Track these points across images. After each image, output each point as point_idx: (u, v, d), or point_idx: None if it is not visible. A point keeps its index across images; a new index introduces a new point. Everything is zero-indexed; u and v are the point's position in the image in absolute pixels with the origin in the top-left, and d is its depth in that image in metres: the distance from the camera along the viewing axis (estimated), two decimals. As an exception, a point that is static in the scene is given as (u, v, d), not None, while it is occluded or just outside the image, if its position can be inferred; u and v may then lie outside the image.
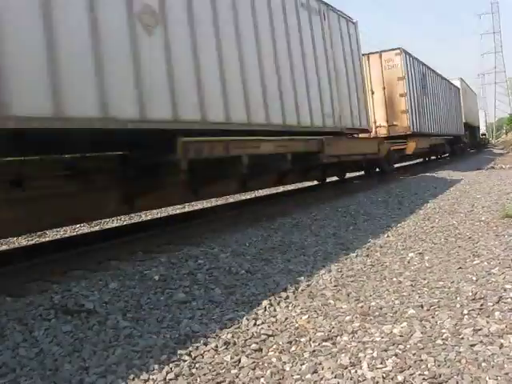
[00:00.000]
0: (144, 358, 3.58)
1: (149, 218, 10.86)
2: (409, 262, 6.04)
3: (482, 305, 4.19)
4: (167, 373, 3.39)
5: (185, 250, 6.16)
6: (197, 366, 3.53)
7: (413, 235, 7.65)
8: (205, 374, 3.40)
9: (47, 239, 8.90)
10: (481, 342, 3.49)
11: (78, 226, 9.83)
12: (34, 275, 5.27)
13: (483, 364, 3.16)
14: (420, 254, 6.39)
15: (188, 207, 11.90)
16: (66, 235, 9.26)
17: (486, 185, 13.38)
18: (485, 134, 53.30)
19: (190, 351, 3.73)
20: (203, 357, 3.67)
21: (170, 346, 3.78)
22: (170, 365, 3.50)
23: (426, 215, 9.37)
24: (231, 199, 13.02)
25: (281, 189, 14.30)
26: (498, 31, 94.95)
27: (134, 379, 3.30)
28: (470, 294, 4.50)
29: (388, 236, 7.69)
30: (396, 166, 19.70)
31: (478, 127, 42.16)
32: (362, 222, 8.92)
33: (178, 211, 11.51)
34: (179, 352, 3.69)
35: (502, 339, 3.49)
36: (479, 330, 3.69)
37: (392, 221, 8.94)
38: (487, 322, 3.81)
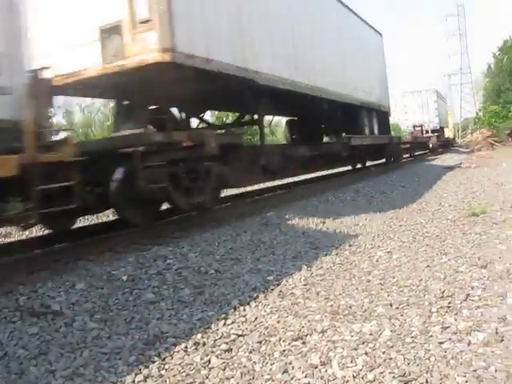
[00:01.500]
0: (112, 360, 3.53)
1: (116, 217, 10.74)
2: (377, 261, 6.06)
3: (449, 302, 4.23)
4: (136, 375, 3.35)
5: (153, 250, 6.09)
6: (166, 367, 3.49)
7: (381, 234, 7.69)
8: (174, 376, 3.36)
9: (12, 239, 8.73)
10: (449, 339, 3.51)
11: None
12: (-2, 276, 5.16)
13: (452, 361, 3.19)
14: (388, 252, 6.42)
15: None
16: (32, 235, 9.09)
17: (453, 183, 13.56)
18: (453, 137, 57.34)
19: (160, 352, 3.69)
20: (172, 358, 3.63)
21: (138, 348, 3.74)
22: (139, 366, 3.46)
23: (395, 214, 9.45)
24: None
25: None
26: (464, 33, 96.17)
27: (102, 382, 3.25)
28: (438, 291, 4.53)
29: (357, 235, 7.72)
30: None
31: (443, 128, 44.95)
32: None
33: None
34: (148, 353, 3.66)
35: (470, 336, 3.52)
36: (447, 327, 3.71)
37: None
38: (455, 320, 3.84)
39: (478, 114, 51.59)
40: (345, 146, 15.01)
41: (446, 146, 43.98)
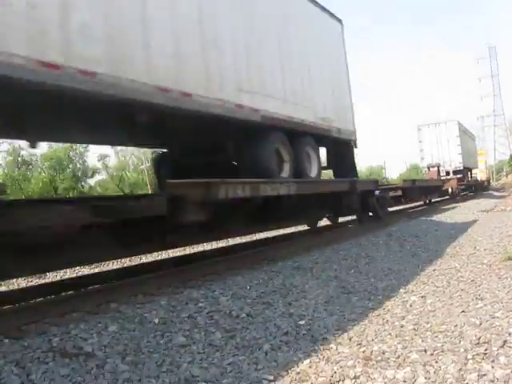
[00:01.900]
0: (143, 403, 3.52)
1: (149, 260, 10.82)
2: (411, 306, 5.97)
3: (486, 349, 4.14)
4: (167, 418, 3.33)
5: (185, 293, 6.10)
6: (197, 411, 3.47)
7: (415, 278, 7.59)
8: (205, 420, 3.34)
9: (47, 280, 8.83)
10: (486, 387, 3.43)
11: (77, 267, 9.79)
12: (32, 317, 5.21)
13: (489, 410, 3.11)
14: (422, 297, 6.33)
15: (188, 250, 11.83)
16: (66, 276, 9.20)
17: (488, 227, 13.36)
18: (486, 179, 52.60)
19: (190, 396, 3.67)
20: (204, 402, 3.61)
21: (169, 391, 3.73)
22: (170, 410, 3.44)
23: (428, 257, 9.33)
24: (231, 242, 12.96)
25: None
26: (496, 75, 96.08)
27: (132, 425, 3.23)
28: (474, 337, 4.44)
29: (390, 279, 7.63)
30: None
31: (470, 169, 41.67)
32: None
33: (178, 253, 11.46)
34: (179, 397, 3.64)
35: (508, 385, 3.43)
36: (484, 375, 3.63)
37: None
38: (492, 367, 3.75)
39: (512, 156, 50.97)
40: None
41: (476, 189, 39.73)
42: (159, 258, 10.98)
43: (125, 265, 10.34)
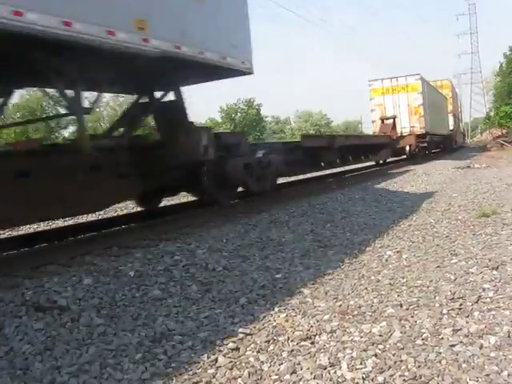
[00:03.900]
0: (118, 357, 3.49)
1: (124, 213, 10.73)
2: (387, 260, 6.00)
3: (461, 304, 4.17)
4: (142, 372, 3.31)
5: (161, 246, 6.05)
6: (173, 365, 3.45)
7: (390, 233, 7.63)
8: (181, 374, 3.32)
9: (20, 232, 8.72)
10: (461, 342, 3.46)
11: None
12: (3, 270, 5.13)
13: (464, 365, 3.13)
14: (398, 252, 6.36)
15: (164, 202, 11.74)
16: (39, 229, 9.09)
17: (463, 184, 13.46)
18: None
19: (166, 350, 3.65)
20: (179, 356, 3.59)
21: (145, 345, 3.70)
22: (146, 364, 3.42)
23: (403, 213, 9.38)
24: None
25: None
26: (475, 32, 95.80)
27: (107, 379, 3.21)
28: (449, 293, 4.47)
29: (366, 234, 7.66)
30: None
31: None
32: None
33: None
34: (155, 351, 3.61)
35: (482, 340, 3.46)
36: (459, 330, 3.66)
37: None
38: (467, 322, 3.78)
39: (488, 114, 51.25)
40: None
41: (445, 147, 35.92)
42: (133, 210, 10.90)
43: (99, 217, 10.24)
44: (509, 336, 3.46)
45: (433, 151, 30.93)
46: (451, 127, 40.08)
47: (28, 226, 9.16)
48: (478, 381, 2.92)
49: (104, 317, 4.06)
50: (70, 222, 9.88)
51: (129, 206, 11.55)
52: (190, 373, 3.34)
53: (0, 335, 3.65)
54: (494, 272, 4.95)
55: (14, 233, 8.78)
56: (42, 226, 9.41)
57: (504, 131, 42.33)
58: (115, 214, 10.61)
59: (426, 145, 27.40)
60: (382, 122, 26.12)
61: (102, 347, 3.59)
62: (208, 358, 3.55)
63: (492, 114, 47.73)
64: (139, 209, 10.04)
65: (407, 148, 25.71)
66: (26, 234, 8.34)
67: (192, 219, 8.07)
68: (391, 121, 25.83)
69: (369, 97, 27.57)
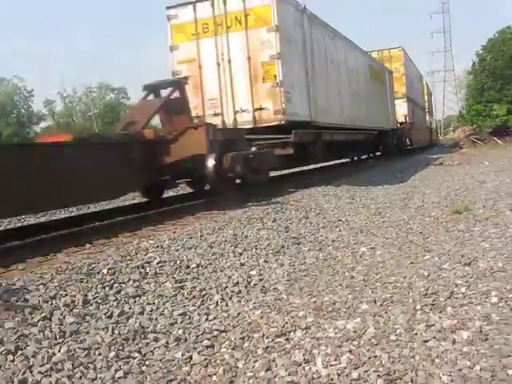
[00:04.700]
0: (91, 356, 3.44)
1: (97, 210, 10.64)
2: (361, 257, 6.03)
3: (434, 300, 4.20)
4: (116, 371, 3.28)
5: (134, 243, 6.00)
6: (147, 363, 3.42)
7: (364, 230, 7.67)
8: (155, 372, 3.30)
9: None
10: (434, 337, 3.48)
11: (23, 216, 9.55)
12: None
13: (437, 360, 3.15)
14: (372, 248, 6.39)
15: (138, 199, 11.66)
16: (10, 226, 8.96)
17: (436, 181, 13.59)
18: None
19: (140, 348, 3.62)
20: (153, 354, 3.57)
21: (118, 343, 3.66)
22: (119, 362, 3.38)
23: (377, 210, 9.44)
24: (181, 191, 12.83)
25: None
26: (448, 31, 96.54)
27: (80, 378, 3.17)
28: (422, 289, 4.51)
29: (340, 230, 7.69)
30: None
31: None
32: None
33: (127, 203, 11.30)
34: (128, 349, 3.58)
35: (455, 335, 3.48)
36: (432, 325, 3.68)
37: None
38: (440, 318, 3.81)
39: (461, 112, 51.81)
40: None
41: (388, 150, 26.99)
42: (107, 207, 10.82)
43: (72, 214, 10.14)
44: (481, 331, 3.49)
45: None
46: (402, 119, 29.47)
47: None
48: (450, 375, 2.94)
49: (76, 315, 4.00)
50: (41, 219, 9.77)
51: (101, 204, 11.46)
52: (165, 371, 3.32)
53: (-31, 334, 3.58)
54: (467, 268, 5.01)
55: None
56: (13, 224, 9.28)
57: (476, 129, 42.69)
58: (89, 211, 10.51)
59: (290, 151, 12.71)
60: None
61: (74, 346, 3.54)
62: (182, 355, 3.53)
63: (464, 111, 48.18)
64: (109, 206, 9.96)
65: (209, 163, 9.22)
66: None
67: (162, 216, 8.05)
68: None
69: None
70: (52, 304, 4.13)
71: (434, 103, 60.78)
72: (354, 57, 19.47)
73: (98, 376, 3.21)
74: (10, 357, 3.33)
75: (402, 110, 29.41)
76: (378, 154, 27.09)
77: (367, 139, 21.75)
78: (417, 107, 35.88)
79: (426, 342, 3.43)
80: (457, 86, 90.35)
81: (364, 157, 25.91)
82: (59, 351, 3.45)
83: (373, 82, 22.17)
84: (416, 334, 3.58)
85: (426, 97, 45.43)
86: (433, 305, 4.11)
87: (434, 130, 53.90)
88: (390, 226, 7.83)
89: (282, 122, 12.05)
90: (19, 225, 9.02)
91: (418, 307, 4.08)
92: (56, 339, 3.61)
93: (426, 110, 45.30)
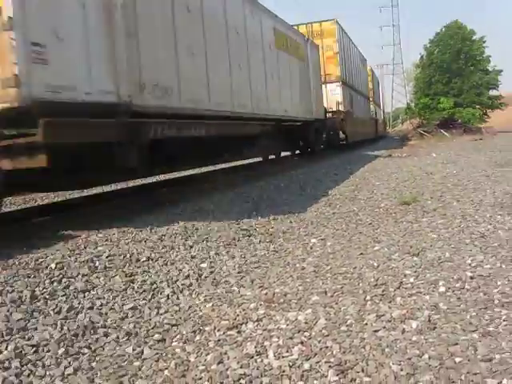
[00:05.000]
0: (40, 353, 3.36)
1: (45, 203, 10.42)
2: (311, 248, 6.08)
3: (383, 290, 4.26)
4: (65, 367, 3.22)
5: (83, 236, 5.89)
6: (97, 359, 3.37)
7: (315, 221, 7.72)
8: (106, 368, 3.25)
9: None
10: (384, 327, 3.53)
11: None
12: None
13: (387, 349, 3.20)
14: (322, 239, 6.45)
15: (86, 192, 11.46)
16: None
17: (385, 172, 13.80)
18: None
19: (90, 344, 3.56)
20: (104, 349, 3.51)
21: (67, 339, 3.58)
22: (68, 359, 3.32)
23: (327, 202, 9.51)
24: (131, 183, 12.67)
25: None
26: (397, 24, 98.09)
27: (29, 376, 3.09)
28: (372, 279, 4.57)
29: (291, 222, 7.72)
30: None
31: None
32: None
33: (76, 195, 11.09)
34: (78, 345, 3.51)
35: (404, 324, 3.54)
36: (382, 315, 3.74)
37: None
38: (389, 308, 3.87)
39: (409, 104, 52.72)
40: None
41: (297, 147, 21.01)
42: (47, 201, 10.61)
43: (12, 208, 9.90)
44: (429, 320, 3.56)
45: None
46: (331, 106, 24.40)
47: None
48: (400, 364, 2.99)
49: (24, 311, 3.90)
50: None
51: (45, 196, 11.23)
52: (115, 366, 3.28)
53: None
54: (415, 258, 5.11)
55: None
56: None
57: (424, 121, 43.57)
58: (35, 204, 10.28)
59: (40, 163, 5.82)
60: None
61: (22, 343, 3.45)
62: (133, 350, 3.50)
63: (412, 104, 49.06)
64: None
65: None
66: None
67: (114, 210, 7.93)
68: None
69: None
70: (-2, 300, 4.03)
71: (382, 95, 61.28)
72: (241, 12, 12.64)
73: (47, 373, 3.14)
74: (-46, 355, 3.24)
75: (334, 96, 24.68)
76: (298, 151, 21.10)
77: (269, 133, 15.00)
78: (357, 95, 31.60)
79: (376, 331, 3.48)
80: (405, 78, 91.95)
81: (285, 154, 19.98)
82: (6, 349, 3.36)
83: (282, 56, 15.95)
84: (366, 324, 3.63)
85: (370, 84, 42.14)
86: (382, 295, 4.17)
87: (382, 121, 53.95)
88: (340, 217, 7.90)
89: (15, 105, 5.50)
90: None
91: (368, 298, 4.14)
92: (3, 337, 3.52)
93: (371, 99, 42.03)
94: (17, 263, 4.79)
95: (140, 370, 3.24)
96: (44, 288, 4.35)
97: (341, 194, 10.33)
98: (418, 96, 46.51)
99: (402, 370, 2.92)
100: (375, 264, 5.07)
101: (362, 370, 2.97)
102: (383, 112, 59.20)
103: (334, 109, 24.45)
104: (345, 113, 25.11)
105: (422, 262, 4.96)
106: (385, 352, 3.17)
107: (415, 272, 4.67)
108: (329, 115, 23.58)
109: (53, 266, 4.82)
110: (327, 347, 3.30)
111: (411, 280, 4.46)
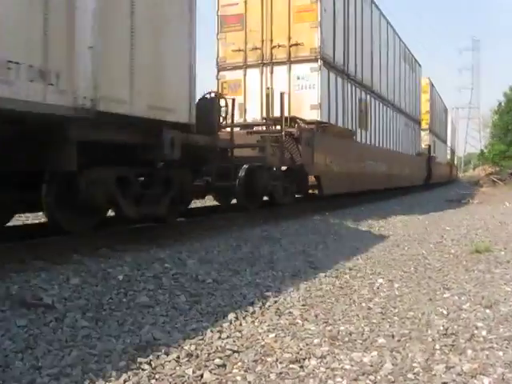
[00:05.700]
0: (101, 363, 3.36)
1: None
2: (378, 288, 5.92)
3: (453, 341, 4.08)
4: (125, 381, 3.19)
5: (151, 252, 5.94)
6: (156, 376, 3.33)
7: (382, 261, 7.55)
8: (164, 383, 3.21)
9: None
10: (453, 380, 3.36)
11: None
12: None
13: (457, 405, 3.04)
14: (390, 281, 6.28)
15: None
16: (28, 222, 8.94)
17: (455, 218, 13.45)
18: None
19: (151, 360, 3.53)
20: (164, 367, 3.47)
21: (129, 352, 3.57)
22: (129, 373, 3.29)
23: (395, 242, 9.32)
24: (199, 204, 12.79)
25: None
26: (477, 68, 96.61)
27: (89, 385, 3.09)
28: (442, 328, 4.39)
29: (358, 259, 7.58)
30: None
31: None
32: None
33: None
34: (139, 360, 3.49)
35: (476, 379, 3.37)
36: (452, 367, 3.56)
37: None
38: (460, 360, 3.69)
39: (483, 150, 51.61)
40: None
41: None
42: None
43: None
44: (503, 378, 3.37)
45: None
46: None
47: (17, 217, 9.00)
48: (470, 423, 2.83)
49: (89, 319, 3.94)
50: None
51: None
52: (173, 387, 3.24)
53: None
54: (488, 311, 4.89)
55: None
56: (31, 219, 9.26)
57: (497, 169, 42.48)
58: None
59: None
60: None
61: (85, 351, 3.47)
62: (193, 372, 3.44)
63: (487, 150, 48.04)
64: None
65: None
66: (11, 226, 8.18)
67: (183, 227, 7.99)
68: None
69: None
70: (66, 305, 4.09)
71: (457, 139, 60.53)
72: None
73: (107, 385, 3.13)
74: (20, 355, 3.28)
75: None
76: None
77: None
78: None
79: (445, 384, 3.32)
80: (481, 123, 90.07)
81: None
82: (69, 355, 3.37)
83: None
84: (435, 374, 3.47)
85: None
86: (452, 345, 3.99)
87: (455, 166, 53.46)
88: (408, 259, 7.70)
89: None
90: (36, 221, 8.97)
91: (437, 347, 3.96)
92: (67, 342, 3.55)
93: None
94: (86, 271, 4.86)
95: (204, 393, 3.18)
96: (110, 298, 4.39)
97: (409, 236, 10.10)
98: (493, 142, 45.51)
99: (473, 429, 2.77)
100: (445, 312, 4.88)
101: (430, 424, 2.83)
102: (456, 157, 58.18)
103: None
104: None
105: (494, 315, 4.75)
106: (455, 407, 3.01)
107: (488, 325, 4.46)
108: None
109: (120, 277, 4.87)
110: (393, 394, 3.16)
111: (483, 333, 4.25)
